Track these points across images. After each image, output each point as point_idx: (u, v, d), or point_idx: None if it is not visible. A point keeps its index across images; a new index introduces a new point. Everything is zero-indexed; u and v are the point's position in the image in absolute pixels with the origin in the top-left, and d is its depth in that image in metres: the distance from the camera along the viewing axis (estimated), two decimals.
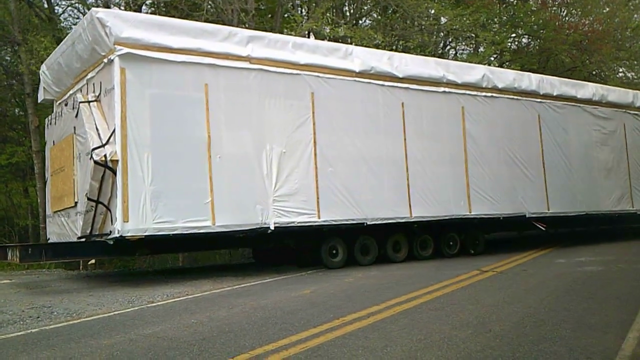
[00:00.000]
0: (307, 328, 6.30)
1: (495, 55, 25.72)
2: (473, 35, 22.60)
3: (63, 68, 11.38)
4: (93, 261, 13.26)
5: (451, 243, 13.70)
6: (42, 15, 20.15)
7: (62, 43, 11.41)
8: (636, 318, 6.29)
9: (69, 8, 21.56)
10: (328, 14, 18.92)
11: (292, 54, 11.41)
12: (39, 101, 13.32)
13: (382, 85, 12.51)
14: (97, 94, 10.20)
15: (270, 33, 12.54)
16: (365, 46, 16.25)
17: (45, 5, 20.81)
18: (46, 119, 12.66)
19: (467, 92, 13.82)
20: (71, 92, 11.30)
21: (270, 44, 11.25)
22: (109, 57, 9.73)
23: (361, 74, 12.22)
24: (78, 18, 21.13)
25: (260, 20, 20.01)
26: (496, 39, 21.79)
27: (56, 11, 21.48)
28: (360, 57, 12.33)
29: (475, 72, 14.18)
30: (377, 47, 17.36)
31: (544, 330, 5.90)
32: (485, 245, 14.40)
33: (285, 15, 20.54)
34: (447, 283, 9.30)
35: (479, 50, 25.17)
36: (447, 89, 13.48)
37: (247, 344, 5.71)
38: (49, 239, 12.17)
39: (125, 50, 9.63)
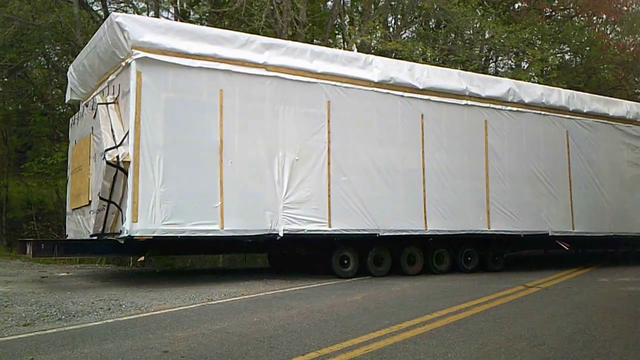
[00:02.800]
0: (367, 332, 6.44)
1: (539, 72, 25.02)
2: (520, 52, 22.09)
3: (87, 70, 11.51)
4: (142, 258, 13.51)
5: (469, 258, 13.14)
6: (98, 20, 20.86)
7: (86, 46, 11.62)
8: None
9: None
10: (377, 27, 18.81)
11: (310, 63, 11.20)
12: (66, 101, 13.64)
13: (402, 96, 12.16)
14: (115, 96, 10.28)
15: (288, 41, 12.42)
16: (414, 60, 15.98)
17: (101, 13, 21.54)
18: (70, 119, 12.96)
19: (492, 105, 13.30)
20: (95, 93, 11.44)
21: (287, 51, 11.07)
22: (126, 61, 9.76)
23: (380, 84, 11.92)
24: None
25: (310, 32, 19.96)
26: (544, 55, 21.14)
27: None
28: (380, 67, 12.01)
29: (500, 86, 13.62)
30: (425, 60, 17.07)
31: (596, 346, 5.91)
32: (505, 263, 13.83)
33: (335, 25, 20.53)
34: (493, 297, 9.27)
35: (521, 65, 24.61)
36: (469, 102, 13.01)
37: (313, 344, 5.90)
38: (67, 235, 12.32)
39: (142, 54, 9.65)
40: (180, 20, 18.76)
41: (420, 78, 12.41)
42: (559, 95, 14.52)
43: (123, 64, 9.94)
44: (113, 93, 10.45)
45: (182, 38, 10.15)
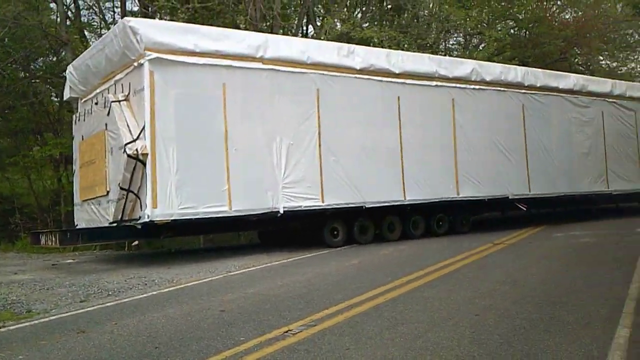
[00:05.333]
0: (377, 286, 7.48)
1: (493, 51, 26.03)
2: (476, 33, 23.19)
3: (91, 69, 12.11)
4: (137, 242, 14.28)
5: (441, 223, 14.50)
6: (72, 17, 20.98)
7: (91, 47, 12.20)
8: (634, 275, 7.66)
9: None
10: (346, 14, 19.54)
11: (300, 54, 12.16)
12: (64, 99, 14.06)
13: (381, 81, 13.28)
14: (126, 94, 10.96)
15: (281, 36, 13.32)
16: (387, 47, 16.91)
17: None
18: (74, 116, 13.45)
19: (458, 85, 14.57)
20: (97, 91, 12.01)
21: (280, 45, 12.01)
22: (139, 61, 10.49)
23: (362, 71, 12.98)
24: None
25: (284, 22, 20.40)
26: (498, 35, 22.13)
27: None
28: (361, 55, 13.08)
29: (465, 67, 14.93)
30: (398, 46, 17.92)
31: (565, 285, 7.33)
32: (471, 225, 15.22)
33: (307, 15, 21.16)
34: (469, 253, 10.59)
35: (471, 41, 25.96)
36: (439, 83, 14.23)
37: (339, 297, 6.89)
38: (77, 225, 12.93)
39: (154, 55, 10.42)
40: (144, 15, 18.67)
41: (396, 63, 13.55)
42: (515, 73, 15.96)
43: (135, 64, 10.65)
44: (122, 91, 11.14)
45: (189, 38, 10.95)
